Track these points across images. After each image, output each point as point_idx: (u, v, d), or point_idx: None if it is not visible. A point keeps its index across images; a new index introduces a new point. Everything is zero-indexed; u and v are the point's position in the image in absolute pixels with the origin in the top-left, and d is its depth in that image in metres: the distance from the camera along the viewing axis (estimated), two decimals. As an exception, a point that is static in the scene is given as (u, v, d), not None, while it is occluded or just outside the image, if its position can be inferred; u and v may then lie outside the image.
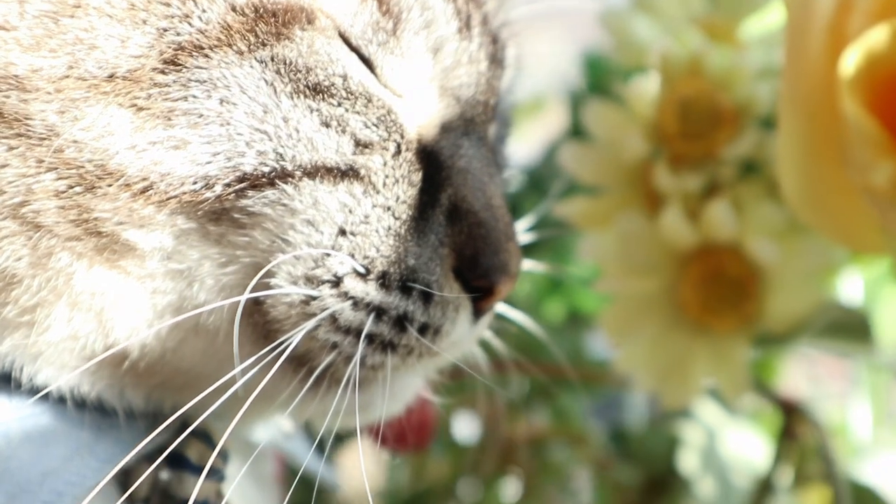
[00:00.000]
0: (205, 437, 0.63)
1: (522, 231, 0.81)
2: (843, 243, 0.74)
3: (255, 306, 0.59)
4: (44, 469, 0.56)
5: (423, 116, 0.63)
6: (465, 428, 1.15)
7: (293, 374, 0.61)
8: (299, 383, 0.60)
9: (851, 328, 0.83)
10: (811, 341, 0.84)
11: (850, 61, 0.65)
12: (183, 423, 0.59)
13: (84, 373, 0.58)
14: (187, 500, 0.60)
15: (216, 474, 0.62)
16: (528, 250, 0.98)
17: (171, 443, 0.59)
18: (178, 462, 0.61)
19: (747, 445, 1.06)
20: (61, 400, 0.59)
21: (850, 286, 1.00)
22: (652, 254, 0.81)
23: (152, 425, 0.60)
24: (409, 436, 0.82)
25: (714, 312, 0.80)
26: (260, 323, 0.60)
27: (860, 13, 0.67)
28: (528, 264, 0.80)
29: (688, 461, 1.03)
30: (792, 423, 0.91)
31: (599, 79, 1.17)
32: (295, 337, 0.58)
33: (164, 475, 0.61)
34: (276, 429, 0.74)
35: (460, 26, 0.63)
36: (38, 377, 0.58)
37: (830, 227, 0.71)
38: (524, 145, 1.55)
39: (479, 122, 0.65)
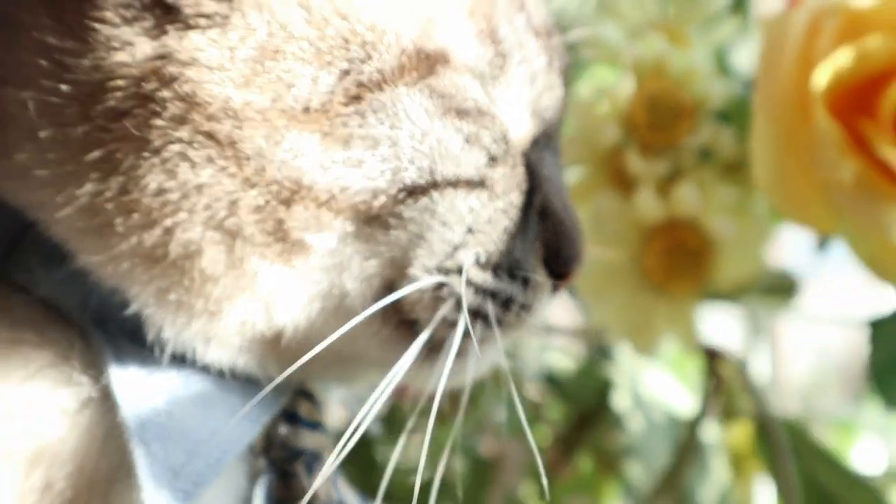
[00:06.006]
0: (311, 398, 0.73)
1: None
2: (806, 225, 0.89)
3: (387, 291, 0.68)
4: (211, 428, 0.65)
5: (521, 133, 0.74)
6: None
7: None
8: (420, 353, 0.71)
9: (780, 288, 1.00)
10: (748, 300, 1.00)
11: (822, 77, 0.79)
12: (298, 388, 0.71)
13: (244, 351, 0.68)
14: (302, 450, 0.71)
15: (320, 427, 0.73)
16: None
17: (291, 405, 0.71)
18: (293, 419, 0.72)
19: (667, 387, 1.22)
20: (219, 372, 0.68)
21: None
22: (622, 228, 0.94)
23: (279, 391, 0.69)
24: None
25: (674, 278, 0.95)
26: (392, 306, 0.69)
27: (826, 36, 0.81)
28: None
29: (619, 399, 1.18)
30: (715, 365, 1.07)
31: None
32: (434, 320, 0.68)
33: (283, 430, 0.71)
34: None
35: (548, 60, 0.75)
36: (207, 356, 0.66)
37: (797, 212, 0.86)
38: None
39: (554, 136, 0.77)
